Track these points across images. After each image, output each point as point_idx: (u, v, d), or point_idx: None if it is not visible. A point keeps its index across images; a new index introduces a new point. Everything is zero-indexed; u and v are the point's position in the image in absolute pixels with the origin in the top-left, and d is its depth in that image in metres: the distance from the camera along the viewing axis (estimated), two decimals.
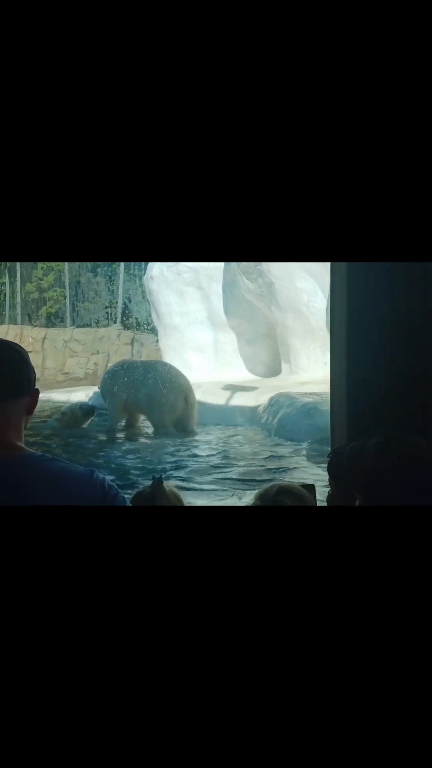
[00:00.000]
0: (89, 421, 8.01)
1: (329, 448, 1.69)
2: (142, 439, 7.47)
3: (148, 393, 7.59)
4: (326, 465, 1.37)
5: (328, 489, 1.46)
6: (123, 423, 7.94)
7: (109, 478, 1.14)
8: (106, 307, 16.34)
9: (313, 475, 4.94)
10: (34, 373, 1.18)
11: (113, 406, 7.78)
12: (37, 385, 1.18)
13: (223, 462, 6.16)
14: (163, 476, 1.61)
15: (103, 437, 7.53)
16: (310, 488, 1.56)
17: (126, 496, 1.17)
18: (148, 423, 7.86)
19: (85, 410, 8.01)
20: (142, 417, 7.97)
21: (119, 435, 7.62)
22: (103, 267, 16.68)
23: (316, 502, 1.49)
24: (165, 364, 8.29)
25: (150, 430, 7.75)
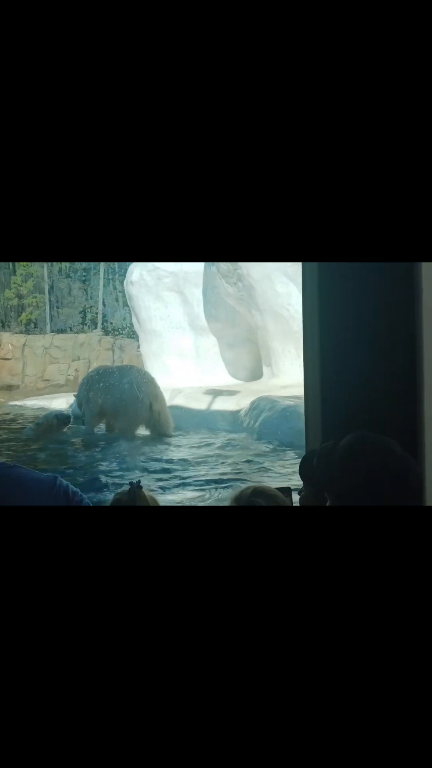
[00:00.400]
0: (65, 429, 7.98)
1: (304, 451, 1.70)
2: (123, 444, 7.45)
3: (116, 399, 7.60)
4: (299, 468, 1.38)
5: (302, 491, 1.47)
6: (102, 428, 7.91)
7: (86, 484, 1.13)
8: (81, 310, 16.24)
9: (290, 479, 4.97)
10: None
11: (89, 411, 7.78)
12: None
13: (201, 465, 6.16)
14: (140, 481, 1.61)
15: (78, 443, 7.48)
16: (286, 491, 1.57)
17: (102, 499, 1.16)
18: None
19: (61, 419, 7.99)
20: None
21: (101, 441, 7.58)
22: (78, 271, 16.59)
23: (291, 504, 1.50)
24: (136, 370, 8.27)
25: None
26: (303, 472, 1.33)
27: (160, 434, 7.63)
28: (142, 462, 6.48)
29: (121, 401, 7.58)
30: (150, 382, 7.84)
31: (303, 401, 1.76)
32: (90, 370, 8.89)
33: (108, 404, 7.67)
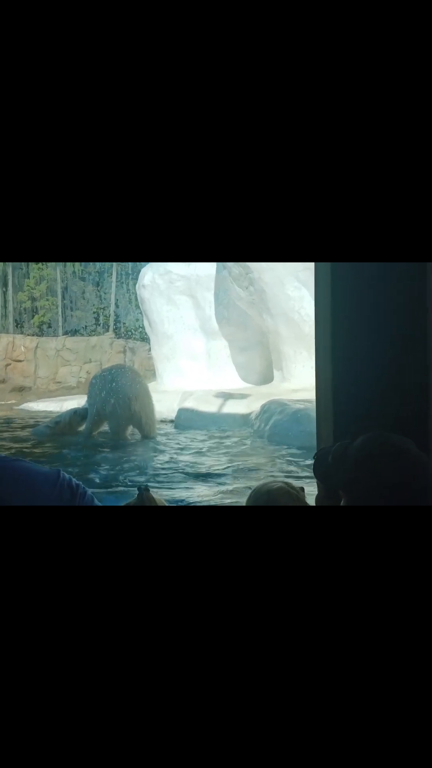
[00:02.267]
0: (83, 426, 7.98)
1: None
2: (129, 446, 7.44)
3: (105, 401, 7.60)
4: (311, 467, 1.38)
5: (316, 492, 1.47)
6: (105, 429, 7.89)
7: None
8: (94, 312, 16.32)
9: (301, 480, 4.96)
10: None
11: (89, 414, 7.82)
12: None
13: (211, 464, 6.16)
14: (147, 486, 1.62)
15: (75, 444, 7.46)
16: (299, 491, 1.57)
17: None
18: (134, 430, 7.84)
19: (80, 415, 7.97)
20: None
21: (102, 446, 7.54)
22: (91, 274, 16.69)
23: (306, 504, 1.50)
24: (122, 370, 8.22)
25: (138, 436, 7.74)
26: (318, 470, 1.33)
27: (143, 435, 7.59)
28: (155, 461, 6.47)
29: (108, 402, 7.58)
30: (134, 381, 7.80)
31: (314, 405, 1.76)
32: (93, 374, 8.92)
33: (101, 406, 7.68)
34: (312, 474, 1.39)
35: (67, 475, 1.12)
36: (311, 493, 1.52)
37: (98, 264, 16.29)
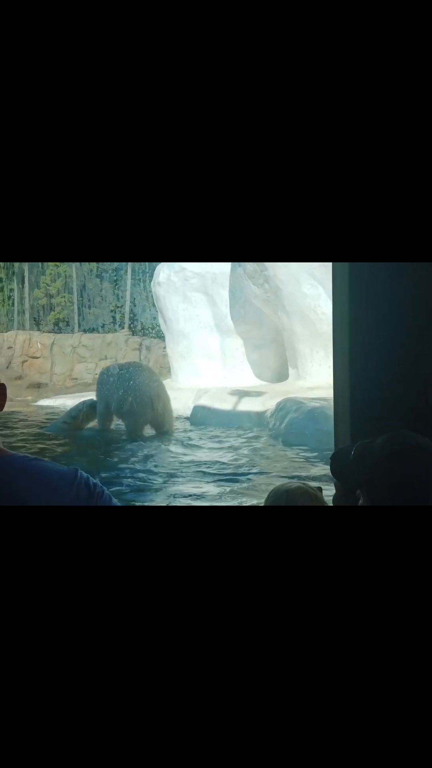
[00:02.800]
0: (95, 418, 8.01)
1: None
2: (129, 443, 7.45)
3: (121, 398, 7.61)
4: (329, 466, 1.37)
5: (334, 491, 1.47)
6: (118, 424, 7.92)
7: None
8: (112, 311, 16.42)
9: (318, 480, 4.95)
10: None
11: (99, 409, 7.85)
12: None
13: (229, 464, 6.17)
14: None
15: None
16: (317, 491, 1.58)
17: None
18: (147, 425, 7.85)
19: (92, 406, 8.01)
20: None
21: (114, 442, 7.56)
22: (108, 272, 16.79)
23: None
24: (139, 368, 8.23)
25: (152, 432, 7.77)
26: (336, 470, 1.32)
27: (160, 432, 7.60)
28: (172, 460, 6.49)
29: (125, 400, 7.59)
30: (151, 379, 7.82)
31: (330, 403, 1.75)
32: (101, 369, 8.92)
33: (115, 403, 7.70)
34: (329, 474, 1.38)
35: (84, 474, 1.13)
36: (328, 494, 1.51)
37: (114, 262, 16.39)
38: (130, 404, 7.56)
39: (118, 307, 16.37)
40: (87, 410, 8.00)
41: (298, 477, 5.28)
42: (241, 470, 5.93)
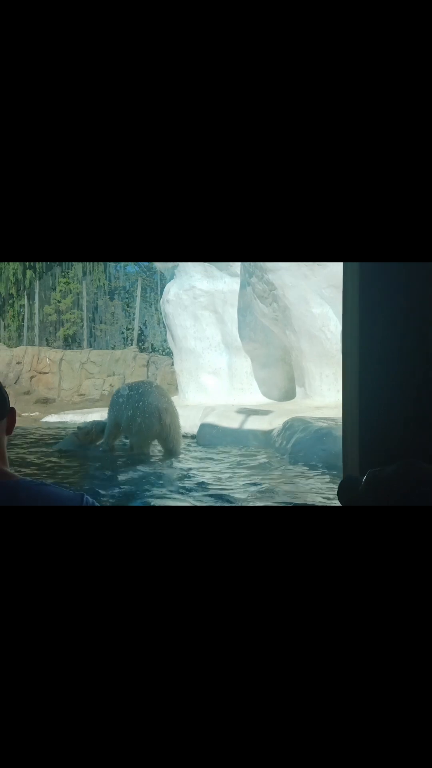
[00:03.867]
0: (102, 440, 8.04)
1: (341, 474, 1.69)
2: (154, 459, 7.46)
3: (128, 415, 7.62)
4: (336, 491, 1.36)
5: None
6: (124, 442, 7.92)
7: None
8: (124, 331, 16.53)
9: (327, 499, 4.91)
10: (6, 393, 1.16)
11: (107, 427, 7.87)
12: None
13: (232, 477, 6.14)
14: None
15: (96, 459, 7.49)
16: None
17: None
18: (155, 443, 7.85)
19: (100, 428, 8.05)
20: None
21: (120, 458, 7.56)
22: (120, 292, 16.93)
23: None
24: (148, 385, 8.25)
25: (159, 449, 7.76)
26: (344, 498, 1.31)
27: (168, 450, 7.54)
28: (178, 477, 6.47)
29: (133, 417, 7.60)
30: (161, 395, 7.82)
31: (337, 423, 1.74)
32: (114, 390, 9.00)
33: (123, 420, 7.71)
34: (335, 495, 1.36)
35: (90, 499, 1.14)
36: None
37: (122, 278, 16.53)
38: (139, 425, 7.57)
39: (128, 329, 16.47)
40: (95, 429, 8.04)
41: (307, 496, 5.24)
42: (246, 489, 5.90)
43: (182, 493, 5.51)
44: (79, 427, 8.12)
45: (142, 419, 7.52)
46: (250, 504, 5.11)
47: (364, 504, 1.23)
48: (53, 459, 7.54)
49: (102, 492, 5.41)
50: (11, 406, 1.17)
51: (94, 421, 8.39)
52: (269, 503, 5.11)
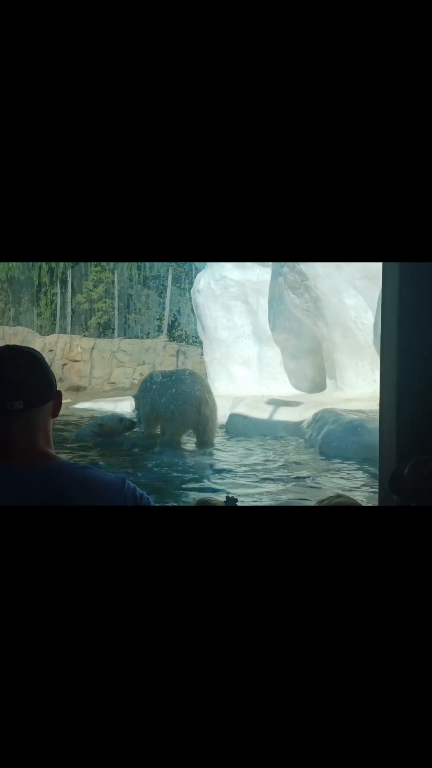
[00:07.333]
0: (126, 433, 8.09)
1: (376, 467, 1.68)
2: (186, 449, 7.49)
3: (165, 403, 7.61)
4: (388, 481, 1.39)
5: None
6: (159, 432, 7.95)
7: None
8: (157, 319, 16.63)
9: (356, 492, 4.87)
10: (53, 375, 1.17)
11: (143, 415, 7.88)
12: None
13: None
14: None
15: (136, 449, 7.54)
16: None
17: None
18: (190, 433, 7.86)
19: (125, 425, 8.10)
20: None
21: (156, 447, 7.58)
22: (152, 280, 17.01)
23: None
24: (187, 374, 8.22)
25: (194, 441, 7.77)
26: (393, 484, 1.37)
27: (202, 441, 7.50)
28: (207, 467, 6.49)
29: (170, 406, 7.60)
30: (202, 385, 7.80)
31: (368, 416, 1.73)
32: (146, 375, 9.00)
33: (161, 408, 7.71)
34: (365, 484, 1.37)
35: (131, 484, 1.15)
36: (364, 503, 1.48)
37: (156, 267, 16.61)
38: (171, 412, 7.58)
39: (162, 315, 16.55)
40: (116, 425, 8.07)
41: (342, 488, 5.20)
42: (278, 478, 5.89)
43: (211, 487, 5.53)
44: (100, 425, 8.16)
45: (174, 409, 7.52)
46: (281, 498, 5.10)
47: (411, 490, 1.27)
48: (77, 447, 7.62)
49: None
50: (58, 389, 1.19)
51: (114, 416, 8.42)
52: (301, 497, 5.10)
